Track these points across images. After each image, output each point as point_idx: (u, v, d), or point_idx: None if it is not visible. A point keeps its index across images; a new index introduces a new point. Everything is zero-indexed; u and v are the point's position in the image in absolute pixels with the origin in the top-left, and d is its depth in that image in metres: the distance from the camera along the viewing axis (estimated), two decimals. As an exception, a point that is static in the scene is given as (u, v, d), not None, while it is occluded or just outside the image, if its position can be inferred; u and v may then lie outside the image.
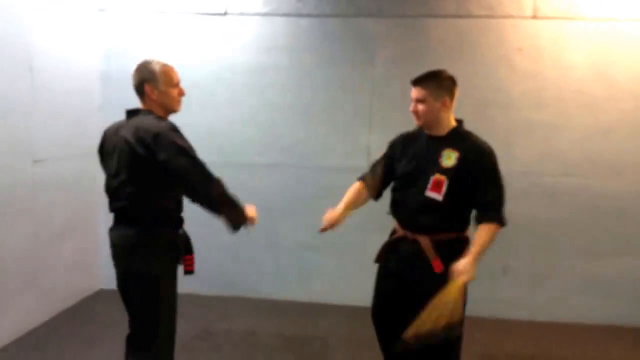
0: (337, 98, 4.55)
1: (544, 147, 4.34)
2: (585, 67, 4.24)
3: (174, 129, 2.34)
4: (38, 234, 3.94)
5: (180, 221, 2.54)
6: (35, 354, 3.52)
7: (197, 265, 4.61)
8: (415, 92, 2.54)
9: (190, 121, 4.51)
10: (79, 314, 4.24)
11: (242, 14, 4.56)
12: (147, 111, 2.43)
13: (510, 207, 4.27)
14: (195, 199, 2.35)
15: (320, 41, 4.52)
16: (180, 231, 2.53)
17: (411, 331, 2.38)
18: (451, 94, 2.54)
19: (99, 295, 4.67)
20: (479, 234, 2.44)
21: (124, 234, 2.39)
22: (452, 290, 2.35)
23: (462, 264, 2.35)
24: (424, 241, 2.51)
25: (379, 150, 4.18)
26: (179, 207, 2.51)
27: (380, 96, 4.47)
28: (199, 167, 2.31)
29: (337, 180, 4.67)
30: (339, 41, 4.50)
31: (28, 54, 3.78)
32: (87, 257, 4.56)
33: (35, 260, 3.92)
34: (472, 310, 4.42)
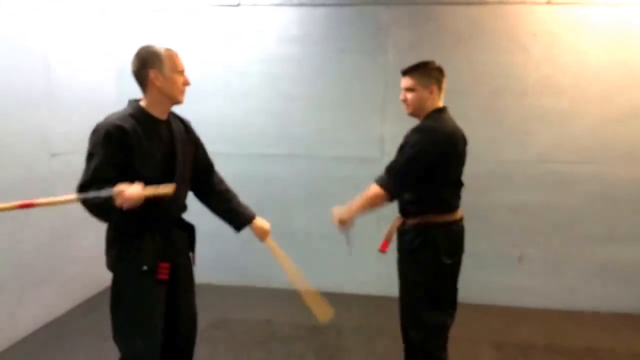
0: (350, 88, 4.54)
1: (559, 135, 4.30)
2: (601, 53, 4.19)
3: (98, 129, 2.13)
4: (56, 227, 3.99)
5: (151, 222, 2.28)
6: (53, 346, 3.58)
7: (214, 255, 4.70)
8: (404, 82, 2.61)
9: (203, 112, 4.58)
10: (97, 306, 4.30)
11: (255, 4, 4.56)
12: (133, 101, 2.28)
13: (525, 195, 4.34)
14: None
15: (333, 31, 4.51)
16: (152, 236, 2.29)
17: None
18: (438, 83, 2.58)
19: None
20: (366, 191, 2.56)
21: (107, 230, 2.36)
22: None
23: (337, 209, 2.63)
24: (395, 222, 2.75)
25: (392, 139, 4.20)
26: (143, 207, 2.08)
27: (393, 85, 4.45)
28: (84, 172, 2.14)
29: (350, 170, 4.70)
30: (351, 30, 4.48)
31: (45, 51, 3.83)
32: (104, 250, 4.61)
33: (53, 253, 3.98)
34: (486, 297, 4.48)
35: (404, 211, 2.69)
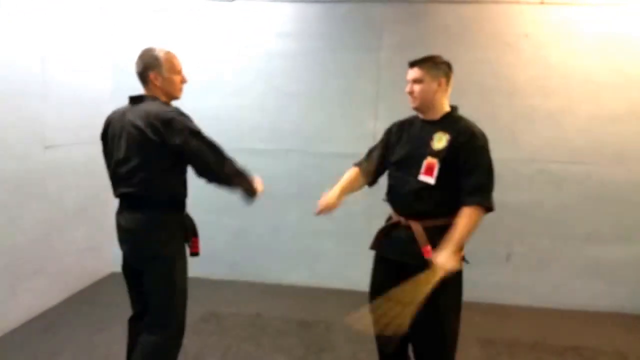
0: (344, 84, 4.57)
1: (550, 135, 4.34)
2: (592, 54, 4.23)
3: (183, 114, 2.41)
4: (50, 219, 4.02)
5: (185, 204, 2.61)
6: (47, 336, 3.60)
7: (205, 249, 4.71)
8: (412, 73, 2.53)
9: (197, 107, 4.54)
10: (91, 297, 4.33)
11: (250, 0, 4.58)
12: (153, 97, 2.47)
13: (515, 194, 4.38)
14: (211, 178, 2.44)
15: (327, 27, 4.53)
16: (185, 213, 2.61)
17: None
18: (447, 77, 2.52)
19: (111, 279, 4.76)
20: (460, 219, 2.34)
21: (136, 218, 2.43)
22: (427, 280, 2.27)
23: (442, 256, 2.28)
24: (417, 227, 2.46)
25: (384, 136, 4.22)
26: (186, 191, 2.58)
27: (385, 82, 4.49)
28: (212, 148, 2.41)
29: (343, 166, 4.68)
30: (345, 27, 4.50)
31: (40, 44, 3.84)
32: (99, 241, 4.64)
33: (47, 244, 4.01)
34: (473, 295, 4.50)
35: (427, 213, 2.48)
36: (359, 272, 4.65)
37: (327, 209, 2.76)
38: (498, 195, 4.31)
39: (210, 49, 4.67)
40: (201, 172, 2.43)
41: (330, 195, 2.79)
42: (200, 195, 4.63)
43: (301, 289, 4.70)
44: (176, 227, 2.52)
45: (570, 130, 4.32)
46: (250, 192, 2.57)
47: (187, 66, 4.56)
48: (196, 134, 2.37)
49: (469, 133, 2.44)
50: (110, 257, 4.71)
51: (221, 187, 2.50)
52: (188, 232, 2.59)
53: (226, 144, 4.58)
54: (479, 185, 2.38)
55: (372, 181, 2.88)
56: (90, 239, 4.51)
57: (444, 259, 2.28)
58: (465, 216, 2.33)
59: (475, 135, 2.44)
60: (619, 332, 4.04)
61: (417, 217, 2.50)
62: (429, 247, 2.42)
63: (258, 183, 2.62)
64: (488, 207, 2.38)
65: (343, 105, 4.60)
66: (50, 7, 3.93)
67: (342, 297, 4.53)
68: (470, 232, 2.34)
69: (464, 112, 4.48)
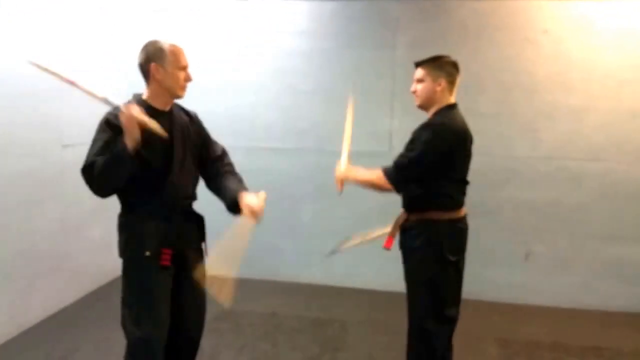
0: (359, 82, 4.53)
1: (569, 131, 4.28)
2: (612, 49, 4.16)
3: (107, 119, 2.28)
4: (67, 217, 4.05)
5: (156, 209, 2.33)
6: (63, 334, 3.63)
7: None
8: (416, 73, 2.62)
9: (212, 106, 4.59)
10: (107, 295, 4.35)
11: (264, -2, 4.58)
12: (137, 96, 2.35)
13: (534, 192, 4.32)
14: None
15: (342, 25, 4.51)
16: (167, 221, 2.35)
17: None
18: (449, 77, 2.56)
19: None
20: (371, 170, 2.63)
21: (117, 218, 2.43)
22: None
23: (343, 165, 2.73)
24: (399, 218, 2.71)
25: (400, 134, 4.18)
26: (146, 195, 2.31)
27: (401, 80, 4.44)
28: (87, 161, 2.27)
29: (358, 164, 4.68)
30: (360, 24, 4.48)
31: (56, 44, 3.87)
32: (115, 240, 4.64)
33: (64, 243, 4.04)
34: (491, 295, 4.47)
35: (408, 207, 2.68)
36: (374, 271, 4.66)
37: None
38: (517, 192, 4.30)
39: (225, 47, 4.67)
40: None
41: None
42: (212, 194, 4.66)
43: (316, 287, 4.69)
44: (132, 230, 2.34)
45: (589, 126, 4.25)
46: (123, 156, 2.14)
47: (202, 65, 4.61)
48: (92, 141, 2.29)
49: (425, 124, 2.54)
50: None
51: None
52: (150, 240, 2.30)
53: (241, 143, 4.67)
54: (397, 160, 2.55)
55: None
56: (107, 237, 4.50)
57: (339, 169, 2.78)
58: (375, 172, 2.61)
59: (427, 124, 2.53)
60: (639, 332, 3.97)
61: (405, 210, 2.71)
62: (391, 238, 2.74)
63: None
64: (389, 177, 2.53)
65: (358, 104, 4.53)
66: (68, 8, 3.96)
67: (357, 296, 4.52)
68: (365, 182, 2.70)
69: (482, 108, 4.45)
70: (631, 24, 4.12)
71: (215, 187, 2.59)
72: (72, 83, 2.28)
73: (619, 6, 4.12)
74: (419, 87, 2.60)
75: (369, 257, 4.60)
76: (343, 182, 2.75)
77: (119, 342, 3.45)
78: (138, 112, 2.10)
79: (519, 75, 4.29)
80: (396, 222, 2.74)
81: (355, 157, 4.34)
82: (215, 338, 3.61)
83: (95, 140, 2.28)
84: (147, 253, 2.29)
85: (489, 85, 4.30)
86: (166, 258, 2.32)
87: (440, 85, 2.54)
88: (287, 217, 4.76)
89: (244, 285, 4.61)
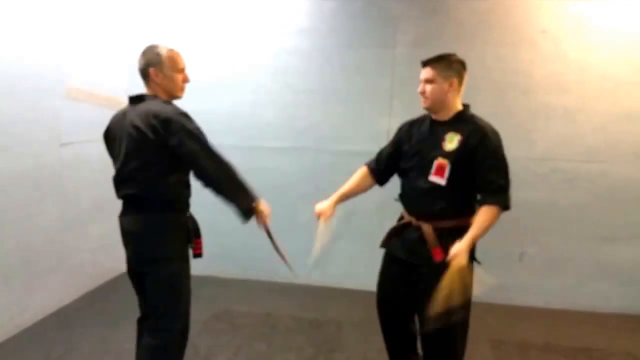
0: (358, 81, 4.54)
1: (565, 132, 4.29)
2: (610, 50, 4.16)
3: (183, 114, 2.33)
4: (65, 216, 4.06)
5: (188, 205, 2.56)
6: (61, 333, 3.65)
7: (217, 248, 4.76)
8: (424, 73, 2.52)
9: (211, 104, 4.61)
10: (105, 295, 4.38)
11: (263, -4, 4.58)
12: (153, 96, 2.42)
13: (529, 193, 4.33)
14: (206, 183, 2.36)
15: (342, 23, 4.51)
16: (188, 214, 2.56)
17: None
18: (460, 77, 2.49)
19: (125, 277, 4.73)
20: (478, 216, 2.38)
21: (138, 220, 2.41)
22: (448, 275, 2.31)
23: (457, 249, 2.30)
24: (427, 228, 2.48)
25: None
26: (189, 191, 2.53)
27: (400, 79, 4.45)
28: (208, 151, 2.32)
29: (357, 164, 4.66)
30: (359, 23, 4.48)
31: (57, 43, 3.87)
32: (113, 239, 4.63)
33: (62, 242, 4.05)
34: (485, 295, 4.42)
35: (437, 214, 2.49)
36: (370, 272, 4.62)
37: (322, 217, 2.85)
38: (512, 193, 4.29)
39: (225, 46, 4.68)
40: (197, 175, 2.37)
41: (325, 204, 2.87)
42: (211, 194, 4.66)
43: (312, 288, 4.71)
44: (178, 228, 2.45)
45: (585, 128, 4.26)
46: (245, 209, 2.43)
47: (202, 64, 4.62)
48: (193, 135, 2.28)
49: (482, 133, 2.43)
50: (124, 255, 4.76)
51: (217, 196, 2.39)
52: (190, 233, 2.51)
53: (241, 142, 4.68)
54: (499, 186, 2.39)
55: (382, 180, 2.87)
56: (105, 237, 4.54)
57: (458, 252, 2.30)
58: (484, 214, 2.37)
59: (487, 135, 2.42)
60: (630, 333, 3.99)
61: (428, 217, 2.51)
62: (438, 249, 2.44)
63: (262, 205, 2.50)
64: (505, 206, 2.40)
65: (358, 103, 4.58)
66: (66, 7, 3.95)
67: (353, 297, 4.54)
68: (486, 230, 2.38)
69: (479, 108, 4.43)
70: (628, 25, 4.12)
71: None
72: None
73: (617, 7, 4.12)
74: (428, 88, 2.48)
75: (366, 258, 4.62)
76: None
77: (117, 342, 3.51)
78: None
79: (516, 76, 4.29)
80: (430, 233, 2.50)
81: (353, 157, 4.41)
82: (210, 338, 3.64)
83: (195, 127, 2.34)
84: (190, 245, 2.52)
85: (485, 85, 4.30)
86: (199, 247, 2.57)
87: (452, 85, 2.46)
88: (285, 217, 4.76)
89: (239, 286, 4.70)
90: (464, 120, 2.50)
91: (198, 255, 2.57)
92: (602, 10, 4.15)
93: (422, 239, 2.50)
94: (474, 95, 4.36)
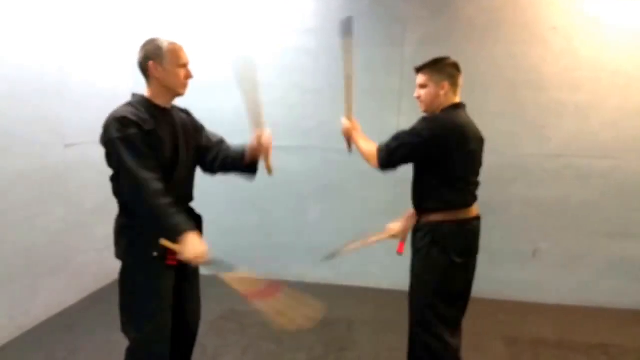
0: (367, 80, 4.50)
1: (577, 129, 4.24)
2: (621, 47, 4.12)
3: (118, 119, 2.14)
4: (69, 217, 4.01)
5: None
6: (65, 334, 3.60)
7: (226, 247, 4.68)
8: (418, 78, 2.61)
9: (219, 104, 4.56)
10: (109, 296, 4.31)
11: (270, -5, 4.53)
12: (138, 96, 2.30)
13: (541, 190, 4.29)
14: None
15: (350, 22, 4.47)
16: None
17: None
18: (451, 79, 2.53)
19: (128, 277, 4.75)
20: (370, 141, 2.76)
21: (115, 220, 2.41)
22: None
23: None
24: (408, 220, 2.73)
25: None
26: None
27: (409, 78, 4.36)
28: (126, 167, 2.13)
29: (365, 162, 4.67)
30: (368, 22, 4.44)
31: (58, 44, 3.83)
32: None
33: (67, 243, 4.00)
34: (498, 292, 4.44)
35: (418, 209, 2.66)
36: (380, 270, 4.63)
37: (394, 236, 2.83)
38: (525, 190, 4.27)
39: (232, 45, 4.63)
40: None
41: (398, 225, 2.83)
42: (221, 194, 4.62)
43: (322, 286, 4.65)
44: (138, 232, 2.28)
45: (597, 124, 4.22)
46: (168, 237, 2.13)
47: (208, 64, 4.58)
48: (116, 145, 2.13)
49: (426, 116, 2.57)
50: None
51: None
52: (157, 240, 2.21)
53: (246, 141, 4.59)
54: (388, 141, 2.59)
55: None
56: (109, 237, 4.44)
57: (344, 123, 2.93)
58: (372, 145, 2.73)
59: (425, 117, 2.56)
60: (648, 331, 3.94)
61: (416, 212, 2.69)
62: (402, 244, 2.75)
63: (191, 243, 2.12)
64: (378, 155, 2.60)
65: (366, 101, 4.54)
66: (68, 8, 3.92)
67: (364, 295, 4.49)
68: (358, 147, 2.84)
69: (490, 106, 4.42)
70: (639, 21, 4.07)
71: (222, 159, 2.60)
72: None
73: (628, 3, 4.08)
74: (422, 92, 2.58)
75: (376, 256, 4.57)
76: (349, 139, 2.89)
77: (121, 343, 3.41)
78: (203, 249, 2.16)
79: (527, 73, 4.25)
80: (405, 226, 2.75)
81: (359, 156, 4.34)
82: (219, 338, 3.58)
83: (124, 138, 2.14)
84: (155, 253, 2.24)
85: (496, 82, 4.26)
86: (172, 258, 2.27)
87: (443, 89, 2.52)
88: (294, 216, 4.73)
89: (248, 285, 4.59)
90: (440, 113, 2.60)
91: (169, 266, 2.30)
92: (613, 7, 4.11)
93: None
94: (486, 93, 4.36)
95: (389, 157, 2.54)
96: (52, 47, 3.77)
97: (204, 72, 4.29)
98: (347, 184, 4.59)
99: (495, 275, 4.34)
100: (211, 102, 4.30)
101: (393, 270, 4.29)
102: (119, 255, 2.37)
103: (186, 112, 2.54)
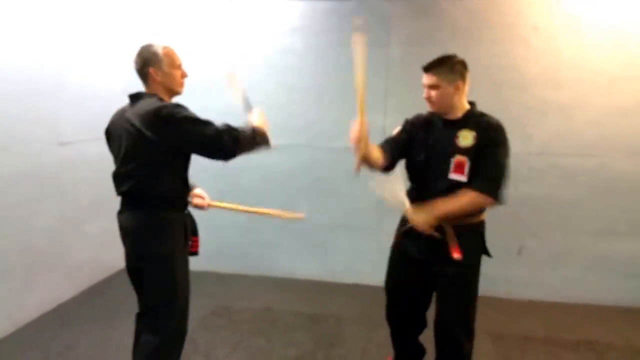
0: (352, 79, 4.53)
1: (560, 128, 4.30)
2: (603, 46, 4.17)
3: (179, 106, 2.32)
4: (64, 214, 4.07)
5: (186, 202, 2.58)
6: (60, 330, 3.66)
7: (216, 243, 4.77)
8: (427, 79, 2.52)
9: (207, 103, 4.60)
10: (104, 291, 4.38)
11: (257, -4, 4.59)
12: (151, 94, 2.41)
13: (526, 188, 4.36)
14: (226, 155, 2.37)
15: (336, 23, 4.53)
16: (186, 212, 2.57)
17: None
18: (463, 78, 2.51)
19: (124, 273, 4.73)
20: (460, 196, 2.41)
21: (135, 217, 2.41)
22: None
23: (420, 214, 2.44)
24: (447, 227, 2.49)
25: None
26: (185, 189, 2.54)
27: (394, 78, 4.47)
28: (211, 132, 2.29)
29: (352, 161, 4.73)
30: (352, 23, 4.49)
31: (55, 41, 3.89)
32: (112, 236, 4.65)
33: (62, 239, 4.06)
34: (486, 289, 4.47)
35: None
36: (369, 267, 4.69)
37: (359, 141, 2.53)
38: (510, 189, 4.30)
39: (221, 46, 4.69)
40: (212, 155, 2.36)
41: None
42: (210, 189, 4.66)
43: (312, 283, 4.72)
44: (174, 226, 2.45)
45: (581, 123, 4.27)
46: (267, 142, 2.58)
47: (198, 64, 4.64)
48: (192, 121, 2.27)
49: (494, 126, 2.47)
50: (123, 252, 4.76)
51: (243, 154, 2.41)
52: (187, 231, 2.53)
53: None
54: (489, 175, 2.41)
55: (388, 166, 2.63)
56: (104, 234, 4.55)
57: (420, 217, 2.43)
58: (466, 196, 2.40)
59: (498, 127, 2.47)
60: (631, 326, 4.00)
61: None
62: (457, 248, 2.47)
63: (261, 122, 2.65)
64: (492, 196, 2.40)
65: (352, 100, 4.54)
66: (65, 9, 3.98)
67: (353, 292, 4.55)
68: (460, 210, 2.41)
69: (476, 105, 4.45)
70: (621, 21, 4.14)
71: None
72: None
73: (609, 3, 4.14)
74: (433, 93, 2.50)
75: (365, 252, 4.65)
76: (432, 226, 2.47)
77: (115, 338, 3.52)
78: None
79: (510, 72, 4.31)
80: (450, 233, 2.52)
81: (348, 154, 4.41)
82: (210, 334, 3.64)
83: (192, 114, 2.33)
84: (185, 243, 2.52)
85: (479, 82, 4.28)
86: (196, 245, 2.59)
87: (458, 88, 2.49)
88: (283, 213, 4.79)
89: (238, 281, 4.70)
90: (474, 118, 2.53)
91: (194, 253, 2.61)
92: (593, 7, 4.17)
93: (441, 238, 2.51)
94: (471, 92, 4.38)
95: (503, 188, 2.45)
96: (49, 47, 3.83)
97: (192, 73, 4.35)
98: (335, 181, 4.65)
99: (481, 272, 4.39)
100: (199, 103, 4.32)
101: (382, 267, 4.35)
102: (153, 249, 2.41)
103: None
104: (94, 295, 4.30)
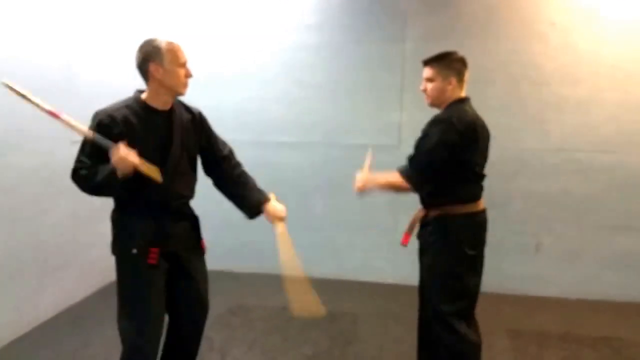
0: (368, 76, 4.53)
1: (578, 123, 4.27)
2: (620, 41, 4.15)
3: (95, 118, 2.29)
4: (77, 213, 4.05)
5: (140, 207, 2.33)
6: (74, 330, 3.64)
7: (231, 242, 4.74)
8: (425, 72, 2.61)
9: (222, 101, 4.61)
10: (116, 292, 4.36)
11: (272, -8, 4.57)
12: (138, 92, 2.35)
13: (543, 184, 4.32)
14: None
15: (351, 18, 4.50)
16: (145, 222, 2.32)
17: None
18: (459, 75, 2.55)
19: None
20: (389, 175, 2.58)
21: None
22: None
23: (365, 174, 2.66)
24: (417, 215, 2.70)
25: (410, 127, 4.19)
26: (137, 193, 2.28)
27: (410, 73, 4.43)
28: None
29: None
30: (368, 18, 4.47)
31: (65, 42, 3.87)
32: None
33: (75, 239, 4.05)
34: (502, 286, 4.47)
35: (425, 203, 2.68)
36: (385, 264, 4.66)
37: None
38: (526, 184, 4.30)
39: (234, 43, 4.67)
40: None
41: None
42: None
43: (327, 281, 4.67)
44: (121, 228, 2.35)
45: (598, 118, 4.24)
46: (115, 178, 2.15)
47: (211, 60, 4.62)
48: (82, 140, 2.27)
49: (434, 120, 2.51)
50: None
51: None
52: (138, 239, 2.29)
53: (249, 137, 4.67)
54: (411, 158, 2.54)
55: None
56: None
57: (360, 177, 2.71)
58: (394, 175, 2.55)
59: (435, 120, 2.51)
60: (650, 324, 3.95)
61: (424, 207, 2.70)
62: (408, 235, 2.71)
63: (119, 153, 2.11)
64: (405, 178, 2.50)
65: (368, 97, 4.57)
66: (77, 6, 3.97)
67: (369, 290, 4.53)
68: (387, 185, 2.62)
69: (491, 101, 4.45)
70: (637, 15, 4.10)
71: (229, 193, 2.65)
72: (53, 115, 2.33)
73: (626, -2, 4.11)
74: (429, 86, 2.58)
75: (381, 250, 4.61)
76: (362, 190, 2.72)
77: (129, 339, 3.49)
78: (132, 157, 2.08)
79: (527, 68, 4.28)
80: (414, 219, 2.73)
81: (363, 150, 4.36)
82: (226, 332, 3.63)
83: (84, 143, 2.27)
84: (134, 251, 2.29)
85: (497, 78, 4.29)
86: (153, 257, 2.30)
87: (451, 84, 2.54)
88: (297, 211, 4.72)
89: (254, 280, 4.68)
90: (442, 111, 2.58)
91: (150, 265, 2.31)
92: (610, 2, 4.14)
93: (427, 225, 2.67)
94: (487, 88, 4.39)
95: (423, 177, 2.52)
96: (61, 45, 3.81)
97: (207, 70, 4.34)
98: (350, 178, 4.60)
99: (498, 269, 4.35)
100: (214, 99, 4.33)
101: (398, 265, 4.34)
102: (111, 248, 2.41)
103: (192, 112, 2.48)
104: (108, 295, 4.27)
